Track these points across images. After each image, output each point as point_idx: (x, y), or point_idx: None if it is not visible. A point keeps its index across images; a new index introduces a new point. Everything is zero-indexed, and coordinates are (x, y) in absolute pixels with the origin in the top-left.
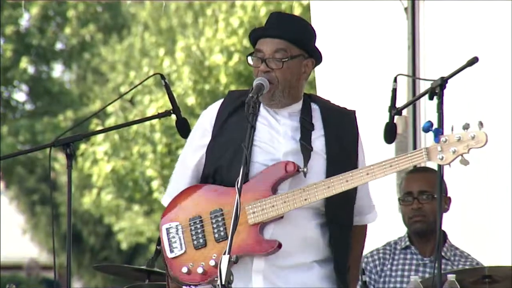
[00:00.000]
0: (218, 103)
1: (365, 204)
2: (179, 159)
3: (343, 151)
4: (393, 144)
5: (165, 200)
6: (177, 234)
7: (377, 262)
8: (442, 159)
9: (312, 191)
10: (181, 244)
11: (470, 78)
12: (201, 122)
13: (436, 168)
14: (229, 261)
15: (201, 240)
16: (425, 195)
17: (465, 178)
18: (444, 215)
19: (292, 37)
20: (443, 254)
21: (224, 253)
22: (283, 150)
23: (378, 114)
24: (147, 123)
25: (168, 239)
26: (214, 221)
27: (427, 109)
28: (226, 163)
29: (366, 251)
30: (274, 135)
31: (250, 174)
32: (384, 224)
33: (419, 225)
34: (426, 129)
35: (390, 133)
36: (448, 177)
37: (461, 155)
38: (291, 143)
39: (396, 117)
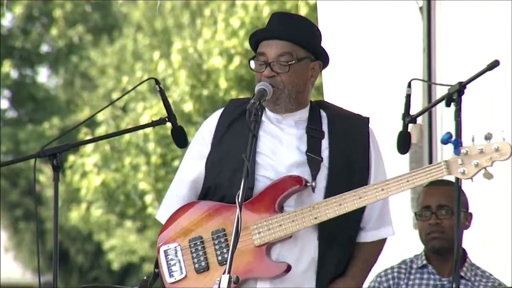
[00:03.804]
0: (219, 112)
1: (374, 217)
2: (177, 172)
3: (349, 163)
4: (407, 155)
5: (161, 215)
6: (177, 256)
7: (391, 282)
8: (463, 173)
9: (323, 209)
10: (181, 268)
11: (491, 83)
12: (200, 133)
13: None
14: (229, 281)
15: (203, 263)
16: (444, 210)
17: (487, 192)
18: (465, 232)
19: (298, 38)
20: (462, 274)
21: (224, 273)
22: (287, 162)
23: (390, 122)
24: (140, 132)
25: (167, 262)
26: (216, 242)
27: (444, 117)
28: (227, 177)
29: (380, 269)
30: (277, 146)
31: (254, 189)
32: (399, 241)
33: (437, 242)
34: (445, 141)
35: (403, 143)
36: (469, 191)
37: (484, 168)
38: (295, 154)
39: (410, 125)
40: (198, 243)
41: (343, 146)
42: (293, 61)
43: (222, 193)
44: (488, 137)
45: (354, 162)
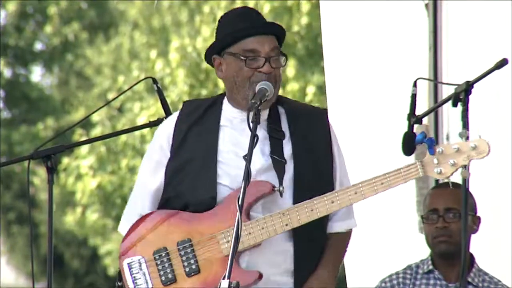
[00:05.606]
0: (174, 117)
1: (343, 208)
2: (137, 180)
3: (314, 160)
4: (412, 157)
5: (123, 228)
6: (141, 269)
7: None
8: (440, 172)
9: (294, 215)
10: (146, 281)
11: (499, 83)
12: (157, 140)
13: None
14: (229, 286)
15: (169, 276)
16: (451, 213)
17: (496, 195)
18: (473, 236)
19: (280, 32)
20: (470, 279)
21: (224, 278)
22: (252, 168)
23: (395, 123)
24: (137, 133)
25: (132, 275)
26: (182, 253)
27: (451, 117)
28: (189, 184)
29: (384, 274)
30: (239, 151)
31: (218, 197)
32: (404, 245)
33: (445, 246)
34: (420, 141)
35: (408, 144)
36: (477, 194)
37: (462, 167)
38: (259, 158)
39: (415, 126)
40: (163, 254)
41: (306, 144)
42: (283, 56)
43: (185, 201)
44: (462, 135)
45: (319, 157)
